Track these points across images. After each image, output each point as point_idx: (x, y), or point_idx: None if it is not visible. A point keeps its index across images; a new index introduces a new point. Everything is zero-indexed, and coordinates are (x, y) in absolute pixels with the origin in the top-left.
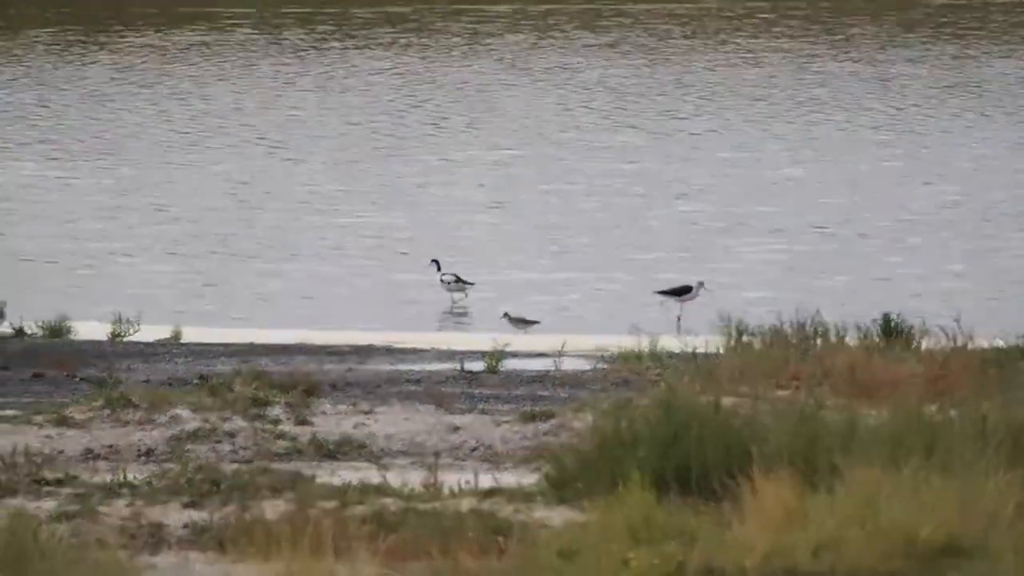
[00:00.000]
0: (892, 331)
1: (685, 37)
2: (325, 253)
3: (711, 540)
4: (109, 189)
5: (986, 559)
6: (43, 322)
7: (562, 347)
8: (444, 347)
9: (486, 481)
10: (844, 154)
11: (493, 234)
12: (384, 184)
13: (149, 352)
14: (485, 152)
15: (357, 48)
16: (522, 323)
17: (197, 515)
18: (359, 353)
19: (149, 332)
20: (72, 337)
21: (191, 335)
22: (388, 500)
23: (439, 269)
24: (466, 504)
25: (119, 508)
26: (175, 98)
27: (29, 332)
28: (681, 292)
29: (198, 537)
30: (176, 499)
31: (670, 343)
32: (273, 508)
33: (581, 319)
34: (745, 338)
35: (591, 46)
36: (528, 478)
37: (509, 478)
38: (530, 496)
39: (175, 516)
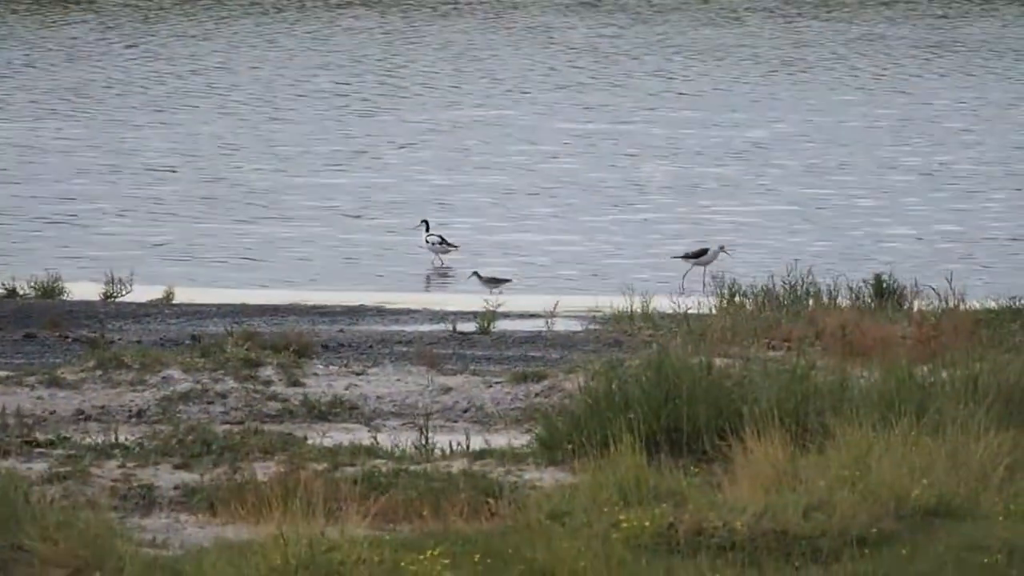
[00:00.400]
0: (884, 292)
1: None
2: (310, 212)
3: (702, 501)
4: (97, 147)
5: (977, 519)
6: (35, 282)
7: (554, 308)
8: (436, 308)
9: (477, 442)
10: (830, 114)
11: (480, 193)
12: (368, 143)
13: (141, 313)
14: (470, 111)
15: (340, 7)
16: (493, 282)
17: (188, 476)
18: (351, 314)
19: (141, 292)
20: (64, 297)
21: (183, 296)
22: (379, 461)
23: (427, 229)
24: (457, 465)
25: (110, 469)
26: (161, 58)
27: (21, 292)
28: (698, 255)
29: (189, 498)
30: (167, 460)
31: (662, 304)
32: (264, 469)
33: (567, 279)
34: (737, 299)
35: (574, 5)
36: (519, 439)
37: (500, 439)
38: (521, 457)
39: (166, 477)
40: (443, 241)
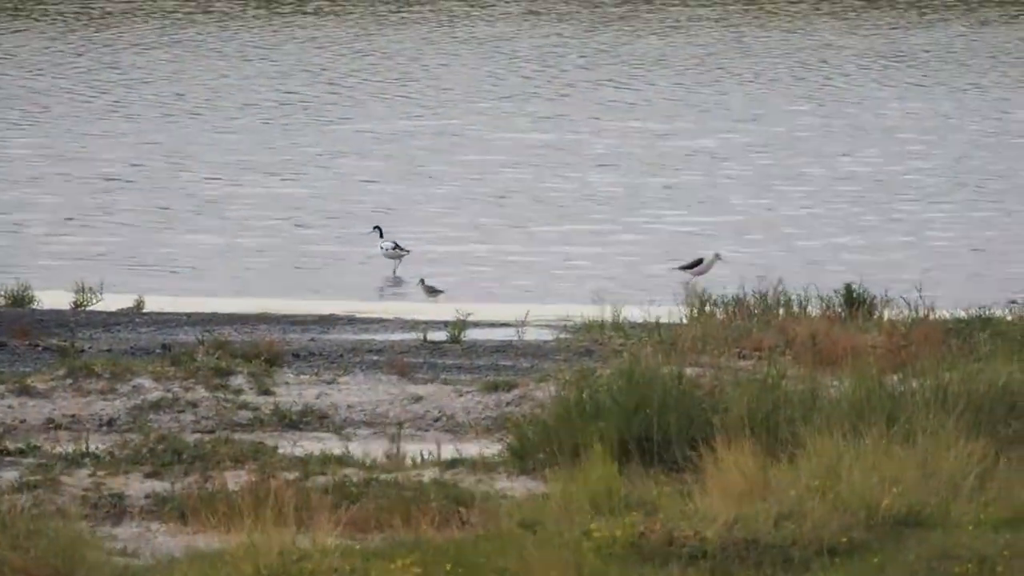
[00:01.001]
0: (854, 301)
1: (616, 6)
2: (260, 222)
3: (673, 511)
4: (47, 156)
5: (947, 529)
6: (5, 290)
7: (525, 317)
8: (407, 317)
9: (448, 451)
10: (777, 123)
11: (430, 203)
12: (311, 153)
13: (112, 321)
14: (416, 121)
15: (289, 15)
16: (432, 291)
17: (159, 485)
18: (322, 323)
19: (112, 301)
20: (35, 306)
21: (154, 304)
22: (350, 471)
23: (381, 236)
24: (428, 475)
25: (81, 478)
26: (109, 67)
27: None
28: (694, 265)
29: (160, 507)
30: (138, 469)
31: (633, 313)
32: (235, 478)
33: (523, 289)
34: (708, 308)
35: (526, 14)
36: (490, 448)
37: (471, 448)
38: (492, 466)
39: (137, 486)
40: (396, 247)
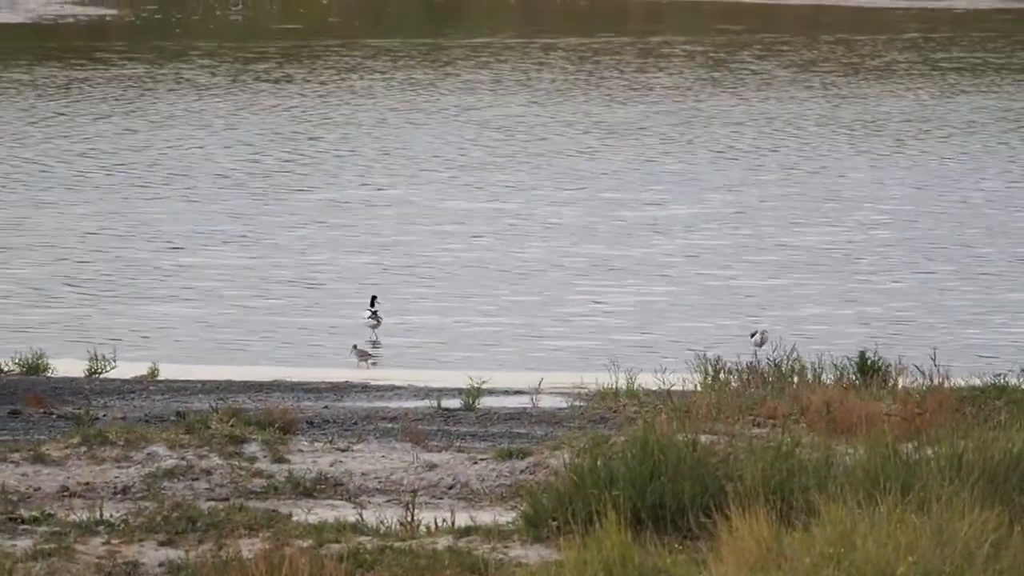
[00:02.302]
0: (868, 369)
1: (580, 72)
2: (227, 292)
3: None
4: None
5: None
6: (20, 359)
7: (539, 384)
8: (421, 384)
9: (462, 519)
10: (746, 192)
11: (397, 272)
12: (280, 223)
13: (126, 389)
14: (386, 191)
15: (254, 82)
16: (364, 356)
17: (173, 553)
18: (335, 390)
19: (126, 369)
20: (49, 374)
21: (168, 372)
22: (364, 538)
23: (372, 304)
24: (442, 542)
25: (95, 546)
26: (64, 136)
27: (5, 369)
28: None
29: (174, 575)
30: (152, 537)
31: (647, 380)
32: (249, 546)
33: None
34: (722, 376)
35: (495, 82)
36: (505, 516)
37: (486, 516)
38: (506, 534)
39: (151, 554)
40: (373, 315)
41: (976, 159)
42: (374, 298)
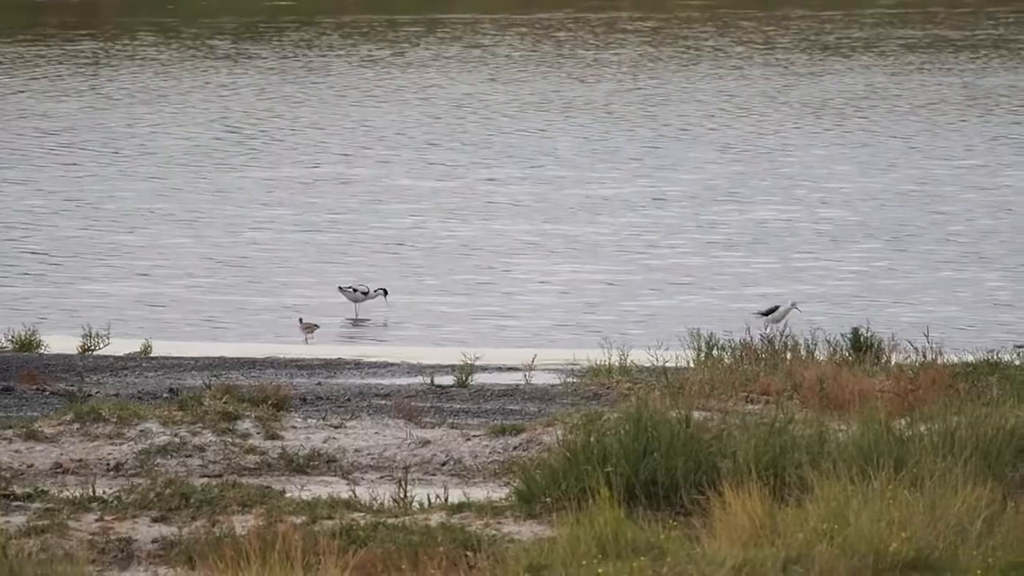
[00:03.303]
0: (861, 345)
1: (529, 50)
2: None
3: (680, 555)
4: None
5: (955, 573)
6: (13, 335)
7: (532, 361)
8: (414, 361)
9: (455, 496)
10: (698, 172)
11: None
12: (245, 199)
13: (119, 366)
14: (355, 168)
15: (213, 58)
16: (310, 328)
17: (166, 530)
18: (328, 367)
19: (119, 346)
20: (42, 351)
21: (161, 349)
22: (358, 515)
23: (385, 295)
24: (435, 519)
25: (88, 523)
26: (12, 115)
27: None
28: (770, 312)
29: (167, 552)
30: (145, 514)
31: (640, 357)
32: (243, 523)
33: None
34: (715, 352)
35: (460, 60)
36: (498, 492)
37: (479, 492)
38: (499, 511)
39: (144, 531)
40: (354, 289)
41: (931, 137)
42: (383, 291)
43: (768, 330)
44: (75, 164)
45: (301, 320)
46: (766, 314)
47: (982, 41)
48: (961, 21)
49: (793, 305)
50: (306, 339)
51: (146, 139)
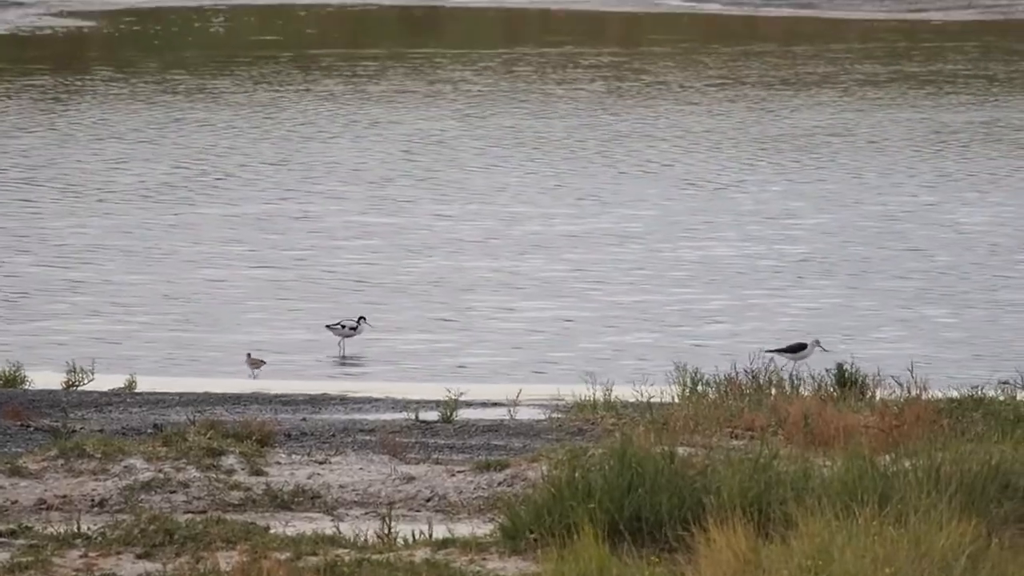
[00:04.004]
0: (846, 381)
1: (492, 85)
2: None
3: None
4: None
5: None
6: None
7: (517, 396)
8: (399, 396)
9: (440, 531)
10: (655, 208)
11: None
12: (202, 236)
13: (103, 401)
14: (296, 204)
15: (183, 95)
16: (257, 364)
17: (151, 566)
18: (313, 402)
19: (104, 381)
20: (27, 386)
21: (145, 384)
22: (342, 551)
23: (358, 322)
24: (420, 555)
25: (72, 559)
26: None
27: None
28: (795, 350)
29: None
30: (130, 550)
31: (625, 392)
32: (227, 559)
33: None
34: (700, 388)
35: (415, 93)
36: (482, 528)
37: (463, 528)
38: (484, 547)
39: (128, 567)
40: (341, 325)
41: (890, 172)
42: (361, 318)
43: (792, 367)
44: (29, 200)
45: (249, 355)
46: (790, 351)
47: (944, 77)
48: (924, 57)
49: (816, 343)
50: (253, 374)
51: (103, 175)
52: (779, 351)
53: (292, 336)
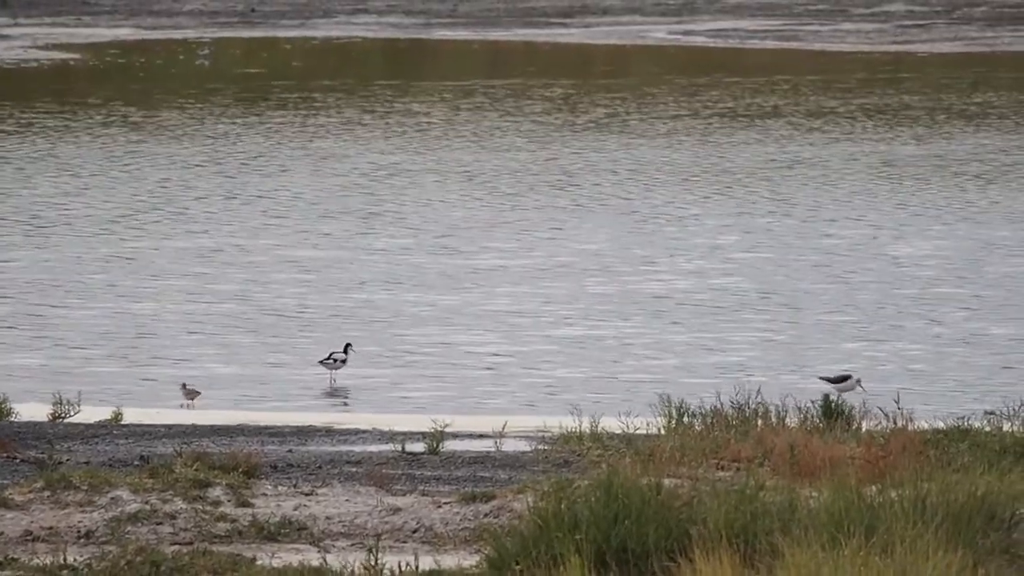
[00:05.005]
0: (832, 412)
1: (445, 120)
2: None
3: None
4: None
5: None
6: None
7: (503, 428)
8: (385, 428)
9: (426, 563)
10: (597, 240)
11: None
12: (144, 269)
13: (90, 433)
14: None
15: (119, 125)
16: (192, 395)
17: None
18: (300, 434)
19: (90, 413)
20: (12, 418)
21: (132, 416)
22: None
23: (346, 351)
24: None
25: None
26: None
27: None
28: (840, 380)
29: None
30: None
31: (611, 424)
32: None
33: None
34: (686, 419)
35: (367, 125)
36: (469, 560)
37: (450, 560)
38: None
39: None
40: (331, 357)
41: (834, 206)
42: (347, 346)
43: (836, 397)
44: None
45: (184, 386)
46: (835, 381)
47: (894, 109)
48: (876, 89)
49: (858, 382)
50: (187, 404)
51: (45, 210)
52: (827, 379)
53: (244, 369)
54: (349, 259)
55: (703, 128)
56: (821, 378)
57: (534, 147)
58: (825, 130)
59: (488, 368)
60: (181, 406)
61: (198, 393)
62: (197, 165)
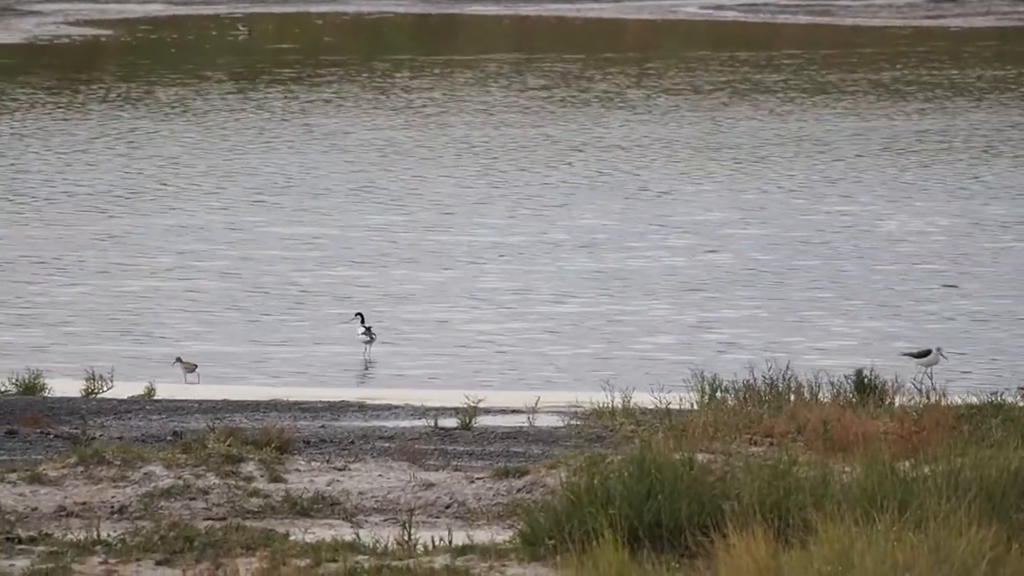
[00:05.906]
0: (865, 387)
1: (442, 97)
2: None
3: None
4: None
5: None
6: (16, 378)
7: (536, 403)
8: (418, 403)
9: (460, 538)
10: (589, 215)
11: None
12: (135, 246)
13: (123, 409)
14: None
15: (123, 103)
16: (190, 369)
17: (170, 572)
18: (332, 409)
19: (123, 388)
20: (46, 394)
21: (164, 392)
22: (362, 557)
23: (362, 322)
24: (440, 561)
25: (92, 566)
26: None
27: (2, 389)
28: (923, 355)
29: None
30: (149, 556)
31: (643, 399)
32: (246, 566)
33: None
34: (719, 394)
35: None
36: (502, 535)
37: (483, 535)
38: (504, 553)
39: (148, 574)
40: (367, 331)
41: (829, 181)
42: (360, 315)
43: (920, 373)
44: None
45: (180, 359)
46: (919, 356)
47: (882, 85)
48: (863, 64)
49: (939, 351)
50: (185, 378)
51: (41, 185)
52: (910, 355)
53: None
54: (333, 236)
55: (685, 103)
56: (903, 354)
57: (523, 123)
58: (807, 104)
59: (475, 344)
60: (184, 380)
61: (195, 365)
62: (178, 143)
